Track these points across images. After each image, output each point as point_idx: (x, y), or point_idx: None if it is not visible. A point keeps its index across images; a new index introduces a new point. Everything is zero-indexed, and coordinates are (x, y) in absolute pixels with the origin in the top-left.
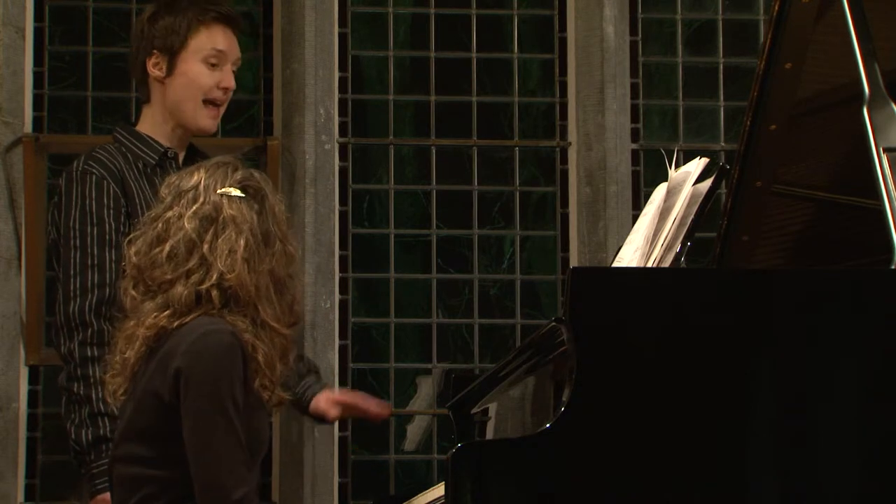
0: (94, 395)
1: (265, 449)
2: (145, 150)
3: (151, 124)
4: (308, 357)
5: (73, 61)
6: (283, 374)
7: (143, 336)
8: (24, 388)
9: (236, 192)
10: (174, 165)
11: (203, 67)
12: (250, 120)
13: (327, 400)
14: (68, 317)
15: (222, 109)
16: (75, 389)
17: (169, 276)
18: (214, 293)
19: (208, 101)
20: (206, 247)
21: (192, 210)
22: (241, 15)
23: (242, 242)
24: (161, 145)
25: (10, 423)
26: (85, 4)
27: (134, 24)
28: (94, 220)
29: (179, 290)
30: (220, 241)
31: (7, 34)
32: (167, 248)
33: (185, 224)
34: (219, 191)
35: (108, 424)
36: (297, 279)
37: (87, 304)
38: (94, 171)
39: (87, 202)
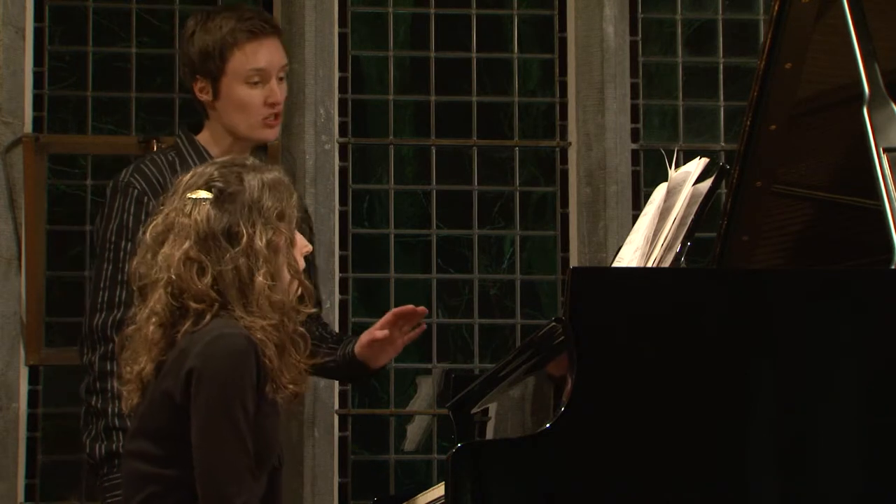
0: (110, 410)
1: (275, 457)
2: (198, 162)
3: (210, 137)
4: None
5: (73, 61)
6: (297, 367)
7: (154, 354)
8: (24, 388)
9: (201, 195)
10: None
11: (246, 89)
12: None
13: (367, 336)
14: (92, 329)
15: (280, 116)
16: (93, 402)
17: (143, 282)
18: (187, 301)
19: (262, 118)
20: (161, 252)
21: (161, 216)
22: None
23: (186, 245)
24: (210, 157)
25: (10, 423)
26: (85, 4)
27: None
28: (129, 236)
29: (157, 295)
30: (172, 245)
31: (7, 34)
32: (140, 254)
33: (150, 230)
34: (187, 195)
35: (121, 439)
36: (291, 270)
37: (112, 318)
38: (136, 185)
39: (126, 216)
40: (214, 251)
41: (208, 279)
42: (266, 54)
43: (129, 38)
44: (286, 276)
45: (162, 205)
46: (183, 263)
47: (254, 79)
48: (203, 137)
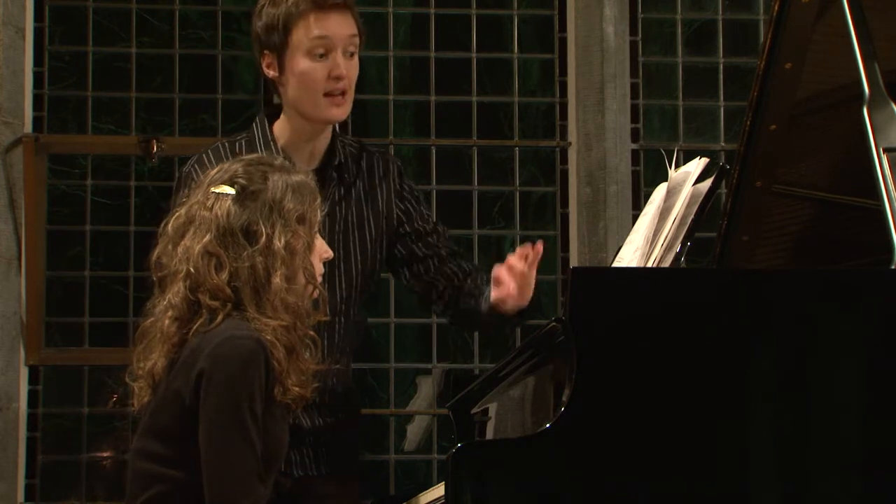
0: None
1: (282, 460)
2: (265, 152)
3: (283, 124)
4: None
5: (73, 61)
6: (311, 370)
7: (164, 349)
8: (24, 388)
9: (225, 190)
10: None
11: (309, 61)
12: (250, 120)
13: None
14: None
15: (349, 95)
16: None
17: (161, 273)
18: (201, 295)
19: (327, 94)
20: (181, 244)
21: (184, 209)
22: (242, 15)
23: (206, 238)
24: (277, 148)
25: (10, 423)
26: (85, 4)
27: None
28: None
29: (176, 287)
30: (193, 238)
31: (7, 34)
32: (161, 245)
33: (172, 222)
34: (212, 189)
35: None
36: (306, 273)
37: None
38: (194, 175)
39: None
40: (232, 247)
41: (225, 275)
42: (330, 24)
43: (129, 38)
44: (302, 279)
45: (187, 197)
46: (202, 256)
47: (317, 50)
48: (277, 125)
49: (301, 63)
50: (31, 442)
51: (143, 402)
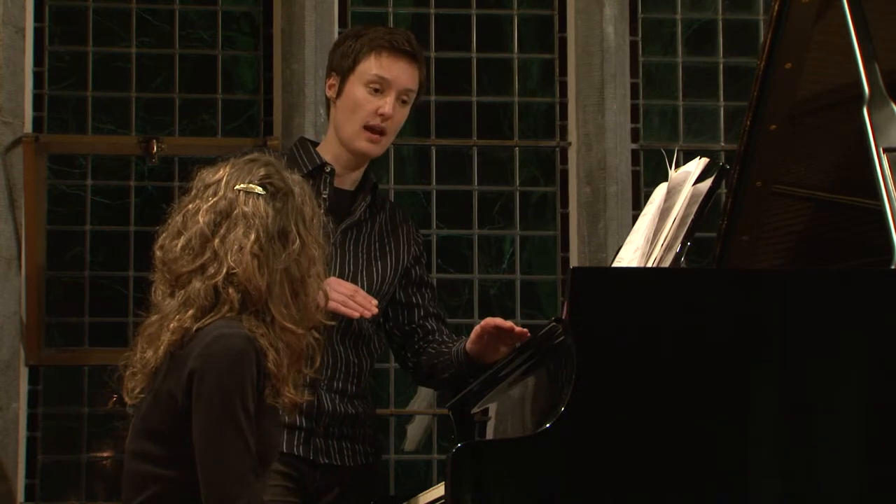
0: None
1: (276, 455)
2: (305, 159)
3: (325, 142)
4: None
5: (73, 61)
6: (306, 377)
7: (167, 341)
8: (24, 388)
9: (255, 189)
10: (329, 181)
11: (364, 91)
12: (250, 120)
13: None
14: None
15: (387, 137)
16: None
17: (185, 270)
18: (231, 291)
19: (367, 127)
20: (216, 241)
21: (208, 204)
22: (242, 15)
23: (252, 238)
24: (321, 158)
25: (10, 423)
26: (85, 4)
27: None
28: None
29: (197, 285)
30: (230, 236)
31: (7, 34)
32: (182, 241)
33: (200, 218)
34: (237, 186)
35: None
36: (319, 281)
37: None
38: None
39: None
40: (271, 249)
41: (266, 277)
42: (395, 69)
43: (129, 38)
44: (316, 284)
45: (197, 189)
46: (250, 257)
47: (374, 85)
48: (321, 143)
49: (357, 91)
50: (31, 442)
51: (135, 395)
